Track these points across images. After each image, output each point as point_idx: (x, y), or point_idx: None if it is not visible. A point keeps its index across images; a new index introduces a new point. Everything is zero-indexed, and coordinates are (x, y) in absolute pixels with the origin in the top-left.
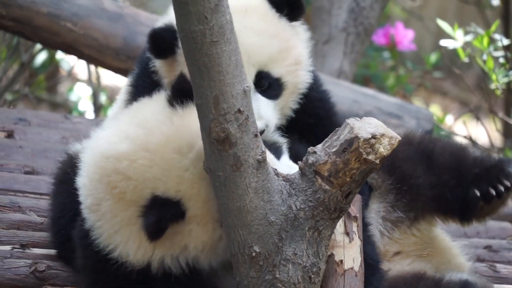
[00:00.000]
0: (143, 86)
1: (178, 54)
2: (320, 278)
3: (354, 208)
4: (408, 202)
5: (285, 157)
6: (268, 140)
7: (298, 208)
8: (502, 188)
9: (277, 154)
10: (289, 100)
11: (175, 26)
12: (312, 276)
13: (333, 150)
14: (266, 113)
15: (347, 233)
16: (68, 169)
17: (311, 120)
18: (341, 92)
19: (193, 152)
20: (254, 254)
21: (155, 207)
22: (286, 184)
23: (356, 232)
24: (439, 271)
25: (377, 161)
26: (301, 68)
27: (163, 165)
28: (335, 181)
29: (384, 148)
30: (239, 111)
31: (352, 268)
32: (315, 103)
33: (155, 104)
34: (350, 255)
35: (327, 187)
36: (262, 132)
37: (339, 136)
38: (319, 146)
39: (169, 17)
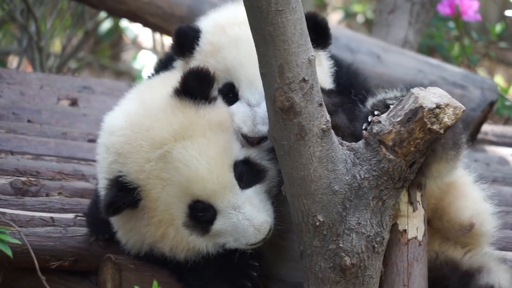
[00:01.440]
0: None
1: (197, 52)
2: (384, 247)
3: (418, 178)
4: None
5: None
6: None
7: (362, 177)
8: None
9: None
10: None
11: (201, 27)
12: (376, 245)
13: (398, 119)
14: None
15: (411, 203)
16: None
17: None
18: (406, 62)
19: (161, 150)
20: (318, 223)
21: (114, 188)
22: (350, 154)
23: (420, 202)
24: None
25: (442, 131)
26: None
27: (133, 149)
28: (399, 150)
29: (448, 118)
30: (304, 80)
31: (415, 238)
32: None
33: (163, 89)
34: (413, 224)
35: (391, 156)
36: (264, 139)
37: (404, 106)
38: (384, 115)
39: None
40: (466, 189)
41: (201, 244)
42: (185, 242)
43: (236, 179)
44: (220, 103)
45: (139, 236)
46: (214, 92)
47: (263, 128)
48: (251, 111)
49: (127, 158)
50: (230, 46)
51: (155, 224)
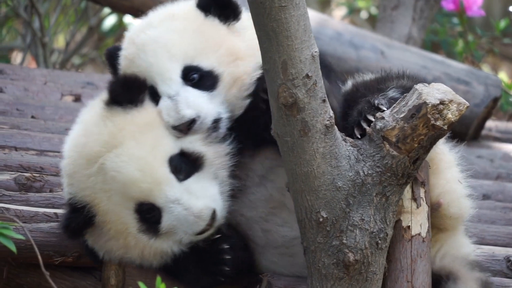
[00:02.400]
0: None
1: (120, 70)
2: (387, 244)
3: (422, 174)
4: None
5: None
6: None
7: (365, 173)
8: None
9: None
10: (234, 91)
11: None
12: (379, 241)
13: (401, 115)
14: (197, 103)
15: (415, 199)
16: None
17: None
18: (410, 58)
19: (97, 163)
20: (321, 219)
21: (67, 210)
22: (354, 150)
23: (424, 198)
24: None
25: (445, 127)
26: (240, 59)
27: (75, 168)
28: (403, 146)
29: (452, 114)
30: (307, 76)
31: (419, 234)
32: None
33: (99, 104)
34: (417, 221)
35: (395, 152)
36: (193, 122)
37: (407, 102)
38: (387, 111)
39: None
40: (441, 167)
41: (162, 245)
42: (148, 248)
43: (173, 173)
44: (148, 104)
45: (108, 250)
46: (142, 96)
47: (187, 112)
48: (172, 102)
49: (73, 178)
50: (139, 53)
51: (114, 237)
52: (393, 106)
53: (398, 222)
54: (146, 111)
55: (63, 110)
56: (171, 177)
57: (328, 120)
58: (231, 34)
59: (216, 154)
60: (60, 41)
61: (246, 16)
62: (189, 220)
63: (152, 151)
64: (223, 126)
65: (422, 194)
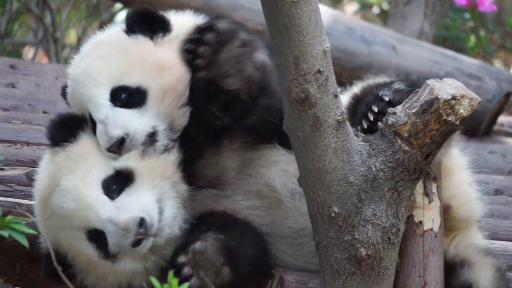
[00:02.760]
0: None
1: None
2: (399, 239)
3: (434, 169)
4: None
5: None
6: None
7: (377, 168)
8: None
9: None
10: (166, 102)
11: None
12: (391, 237)
13: (413, 111)
14: (124, 122)
15: (427, 194)
16: None
17: None
18: (422, 53)
19: (47, 205)
20: (333, 214)
21: (43, 259)
22: (366, 145)
23: (436, 193)
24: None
25: (457, 122)
26: (167, 69)
27: (38, 214)
28: (414, 142)
29: (464, 109)
30: (319, 71)
31: (431, 229)
32: None
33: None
34: (429, 216)
35: (406, 148)
36: (123, 141)
37: (419, 97)
38: (399, 107)
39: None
40: (452, 170)
41: (127, 268)
42: (117, 273)
43: (106, 194)
44: (86, 136)
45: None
46: (76, 130)
47: (114, 133)
48: (102, 125)
49: (39, 225)
50: (74, 86)
51: (86, 272)
52: (405, 101)
53: (410, 217)
54: (81, 144)
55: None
56: (103, 198)
57: (340, 115)
58: (158, 47)
59: (152, 165)
60: (71, 36)
61: (180, 23)
62: (119, 234)
63: (84, 179)
64: (162, 138)
65: (434, 189)
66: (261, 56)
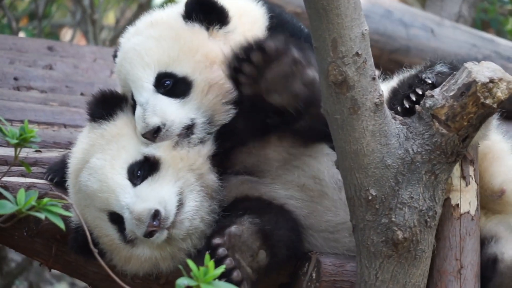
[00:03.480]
0: None
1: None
2: (436, 222)
3: (471, 152)
4: None
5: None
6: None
7: (415, 151)
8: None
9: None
10: (211, 96)
11: None
12: (428, 219)
13: (451, 94)
14: (164, 111)
15: (464, 177)
16: None
17: None
18: (460, 36)
19: (76, 180)
20: (370, 197)
21: (71, 233)
22: (403, 128)
23: (473, 176)
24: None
25: (495, 105)
26: (217, 64)
27: (70, 188)
28: (452, 125)
29: (502, 93)
30: (357, 54)
31: (468, 212)
32: None
33: None
34: (466, 199)
35: (444, 131)
36: (159, 130)
37: (457, 80)
38: (437, 90)
39: None
40: (501, 155)
41: (145, 254)
42: (140, 258)
43: (130, 179)
44: (125, 115)
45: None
46: (115, 109)
47: (151, 120)
48: (141, 110)
49: (70, 198)
50: (122, 60)
51: (111, 253)
52: (443, 84)
53: (447, 200)
54: (117, 124)
55: (113, 87)
56: (125, 184)
57: (378, 98)
58: (211, 39)
59: (181, 157)
60: (110, 18)
61: (239, 13)
62: (132, 224)
63: (111, 161)
64: (199, 131)
65: (471, 172)
66: (311, 73)
